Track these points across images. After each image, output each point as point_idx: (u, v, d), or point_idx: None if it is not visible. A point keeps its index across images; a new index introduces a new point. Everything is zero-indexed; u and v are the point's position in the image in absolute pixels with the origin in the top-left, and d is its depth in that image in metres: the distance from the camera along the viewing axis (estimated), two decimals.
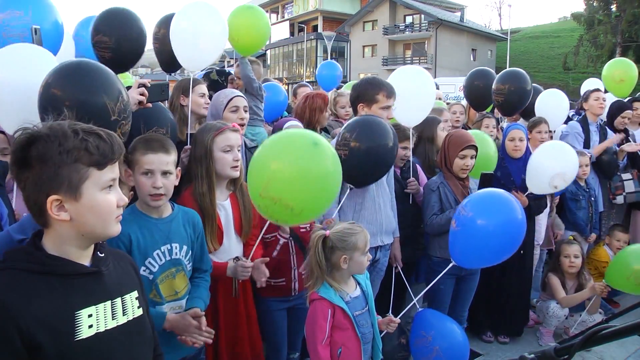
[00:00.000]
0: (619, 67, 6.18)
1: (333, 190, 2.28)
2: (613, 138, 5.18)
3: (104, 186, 1.36)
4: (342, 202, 3.04)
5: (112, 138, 1.37)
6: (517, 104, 4.82)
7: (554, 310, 4.18)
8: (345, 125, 3.06)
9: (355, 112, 3.31)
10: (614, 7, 33.56)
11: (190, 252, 2.29)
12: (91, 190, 1.33)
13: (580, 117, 5.57)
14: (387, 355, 2.98)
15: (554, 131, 5.46)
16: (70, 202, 1.31)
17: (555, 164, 3.84)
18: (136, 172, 2.16)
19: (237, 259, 2.62)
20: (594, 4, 34.22)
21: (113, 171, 1.38)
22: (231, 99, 3.11)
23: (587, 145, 5.13)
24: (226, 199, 2.68)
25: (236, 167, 2.60)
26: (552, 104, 5.09)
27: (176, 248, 2.22)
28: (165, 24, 3.73)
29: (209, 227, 2.52)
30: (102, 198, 1.35)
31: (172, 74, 4.32)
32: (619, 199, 5.13)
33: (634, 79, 6.03)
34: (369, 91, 3.25)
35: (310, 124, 3.96)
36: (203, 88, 3.41)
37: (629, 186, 5.11)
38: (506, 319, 4.16)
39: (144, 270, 2.14)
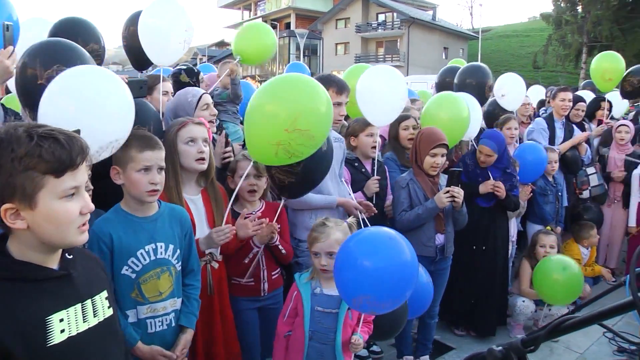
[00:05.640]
0: (608, 61, 6.28)
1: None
2: (580, 136, 5.29)
3: (63, 195, 1.27)
4: (278, 213, 2.93)
5: (73, 142, 1.27)
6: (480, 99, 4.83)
7: (520, 308, 4.29)
8: None
9: None
10: (579, 8, 34.33)
11: (178, 251, 2.25)
12: (47, 199, 1.25)
13: (546, 113, 5.70)
14: None
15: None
16: (25, 211, 1.24)
17: None
18: (129, 169, 2.12)
19: (210, 254, 2.63)
20: (562, 4, 34.89)
21: (75, 179, 1.29)
22: (201, 97, 3.10)
23: (552, 141, 5.25)
24: (197, 194, 2.67)
25: (201, 159, 2.58)
26: (509, 86, 5.14)
27: (161, 248, 2.19)
28: (133, 21, 3.68)
29: None
30: (61, 207, 1.27)
31: (144, 72, 4.24)
32: (585, 194, 5.27)
33: (621, 75, 6.21)
34: None
35: None
36: (166, 86, 3.45)
37: (593, 180, 5.26)
38: (477, 318, 4.19)
39: (127, 270, 2.11)
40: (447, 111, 3.98)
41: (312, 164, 2.67)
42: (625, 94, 6.15)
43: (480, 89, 4.72)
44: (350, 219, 2.65)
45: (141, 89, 2.57)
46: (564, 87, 5.53)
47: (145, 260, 2.15)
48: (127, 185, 2.15)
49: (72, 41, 3.14)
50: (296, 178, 2.70)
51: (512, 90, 5.08)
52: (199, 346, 2.57)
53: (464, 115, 4.00)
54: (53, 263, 1.35)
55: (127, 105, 2.17)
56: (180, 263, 2.28)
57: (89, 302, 1.41)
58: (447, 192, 3.29)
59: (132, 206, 2.19)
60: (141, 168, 2.12)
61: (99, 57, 3.30)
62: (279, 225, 2.88)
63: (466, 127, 4.06)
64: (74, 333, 1.33)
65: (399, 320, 2.90)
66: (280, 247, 2.92)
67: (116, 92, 2.15)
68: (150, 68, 4.18)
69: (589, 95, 6.60)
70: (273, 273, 2.99)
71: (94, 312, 1.41)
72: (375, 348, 3.92)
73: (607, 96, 6.41)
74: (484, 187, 3.99)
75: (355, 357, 3.39)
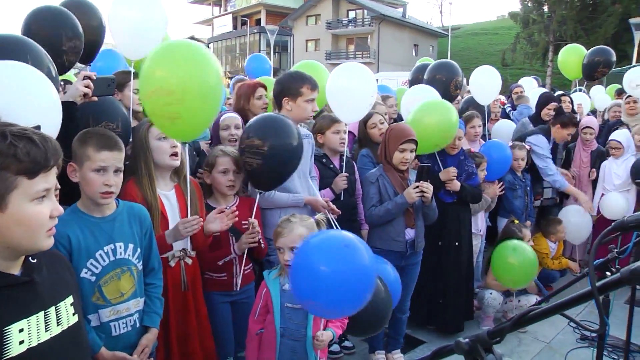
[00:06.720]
0: (573, 54, 7.33)
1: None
2: (583, 202, 5.32)
3: (35, 197, 1.23)
4: (254, 210, 2.96)
5: (47, 143, 1.24)
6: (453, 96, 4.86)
7: (488, 301, 4.37)
8: (247, 129, 2.94)
9: (280, 106, 3.30)
10: (546, 8, 35.17)
11: (139, 249, 2.20)
12: (19, 201, 1.21)
13: (543, 126, 5.65)
14: None
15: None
16: None
17: None
18: (85, 168, 2.05)
19: (184, 250, 2.60)
20: (529, 4, 35.73)
21: (47, 180, 1.25)
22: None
23: None
24: (171, 189, 2.65)
25: (175, 155, 2.56)
26: (485, 79, 5.18)
27: (120, 248, 2.13)
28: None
29: (154, 217, 2.47)
30: (32, 210, 1.23)
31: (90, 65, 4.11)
32: (536, 203, 5.41)
33: (574, 64, 6.54)
34: (293, 85, 3.26)
35: (241, 111, 3.84)
36: (137, 84, 3.37)
37: (547, 193, 5.42)
38: (445, 315, 4.18)
39: (86, 273, 2.04)
40: (436, 117, 3.81)
41: (278, 145, 2.79)
42: (590, 79, 6.99)
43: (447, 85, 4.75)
44: (319, 215, 2.64)
45: (109, 87, 2.51)
46: (576, 122, 5.36)
47: (104, 261, 2.08)
48: (82, 184, 2.09)
49: (56, 36, 3.05)
50: (263, 159, 2.75)
51: (486, 83, 5.08)
52: (173, 344, 2.54)
53: (454, 119, 3.85)
54: (15, 269, 1.29)
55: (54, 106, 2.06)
56: (141, 262, 2.23)
57: (52, 309, 1.34)
58: (417, 187, 3.32)
59: (88, 206, 2.11)
60: (97, 168, 2.05)
61: (77, 55, 3.19)
62: (257, 222, 2.86)
63: (454, 130, 3.90)
64: (34, 344, 1.27)
65: (380, 318, 2.83)
66: (261, 240, 2.93)
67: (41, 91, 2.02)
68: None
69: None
70: (245, 268, 2.98)
71: (57, 320, 1.35)
72: (347, 343, 3.93)
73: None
74: (444, 175, 3.99)
75: (328, 353, 3.41)
